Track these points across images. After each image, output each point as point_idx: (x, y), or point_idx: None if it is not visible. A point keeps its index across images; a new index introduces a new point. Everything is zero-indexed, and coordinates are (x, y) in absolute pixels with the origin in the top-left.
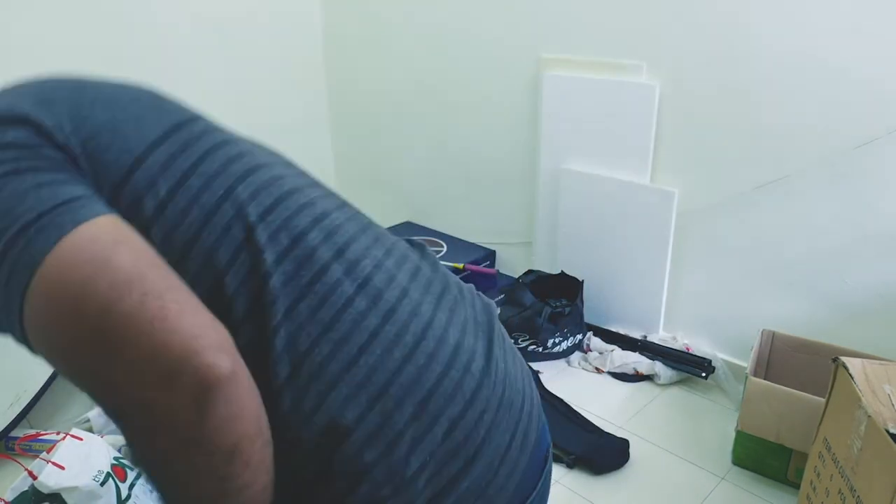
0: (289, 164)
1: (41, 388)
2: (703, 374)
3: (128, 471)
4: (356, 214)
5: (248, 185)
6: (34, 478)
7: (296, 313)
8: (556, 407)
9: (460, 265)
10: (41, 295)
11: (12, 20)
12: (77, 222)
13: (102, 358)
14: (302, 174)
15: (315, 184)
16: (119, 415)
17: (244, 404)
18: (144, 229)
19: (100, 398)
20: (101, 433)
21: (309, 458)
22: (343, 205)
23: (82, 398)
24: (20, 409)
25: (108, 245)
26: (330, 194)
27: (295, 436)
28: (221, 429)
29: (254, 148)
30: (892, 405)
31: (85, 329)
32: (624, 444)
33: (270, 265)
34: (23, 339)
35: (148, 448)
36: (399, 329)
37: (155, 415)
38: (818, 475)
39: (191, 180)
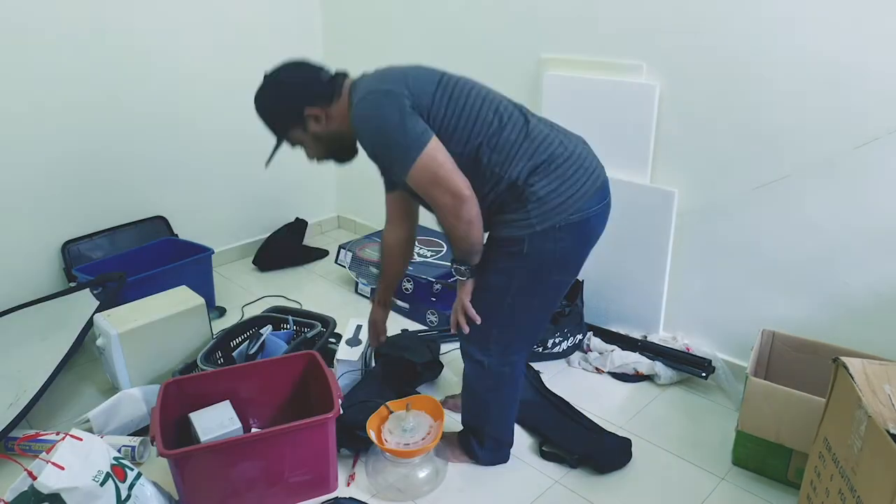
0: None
1: (40, 389)
2: (703, 374)
3: (127, 471)
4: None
5: (493, 99)
6: (34, 478)
7: (521, 150)
8: (558, 407)
9: None
10: (418, 175)
11: (15, 22)
12: (422, 147)
13: (437, 190)
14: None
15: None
16: (437, 206)
17: (472, 207)
18: (442, 127)
19: (433, 201)
20: (100, 433)
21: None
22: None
23: (82, 399)
24: (19, 410)
25: (435, 163)
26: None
27: (496, 182)
28: (465, 214)
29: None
30: (893, 405)
31: (432, 183)
32: (626, 443)
33: (523, 121)
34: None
35: (445, 221)
36: (566, 151)
37: (447, 208)
38: (818, 475)
39: (457, 100)
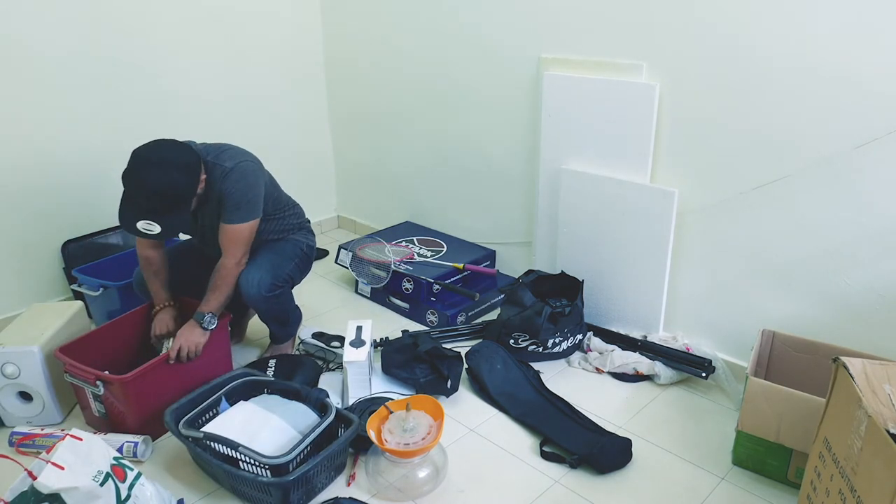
0: None
1: None
2: (703, 374)
3: (127, 471)
4: None
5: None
6: (34, 478)
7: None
8: (558, 406)
9: (460, 265)
10: (245, 228)
11: (14, 25)
12: (258, 215)
13: (244, 246)
14: None
15: None
16: (232, 256)
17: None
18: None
19: (233, 251)
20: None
21: None
22: None
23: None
24: None
25: (251, 230)
26: None
27: None
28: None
29: None
30: (893, 405)
31: (246, 241)
32: (626, 442)
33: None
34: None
35: (229, 267)
36: None
37: (236, 261)
38: (818, 475)
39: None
